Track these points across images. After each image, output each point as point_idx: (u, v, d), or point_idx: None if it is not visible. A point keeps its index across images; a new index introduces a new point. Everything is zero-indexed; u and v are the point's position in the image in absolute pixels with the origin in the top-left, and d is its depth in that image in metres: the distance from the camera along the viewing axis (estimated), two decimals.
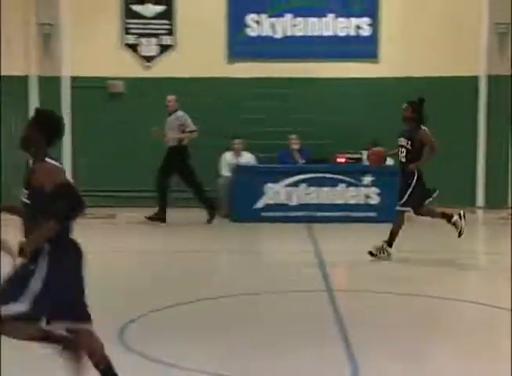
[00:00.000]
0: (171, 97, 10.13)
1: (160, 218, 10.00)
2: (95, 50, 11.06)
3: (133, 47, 11.31)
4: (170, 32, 11.32)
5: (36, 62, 11.03)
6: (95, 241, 8.96)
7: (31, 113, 3.76)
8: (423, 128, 7.73)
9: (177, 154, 10.03)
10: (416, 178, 7.67)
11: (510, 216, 10.73)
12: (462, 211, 7.87)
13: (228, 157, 10.84)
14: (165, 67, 11.30)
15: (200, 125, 10.29)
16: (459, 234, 7.86)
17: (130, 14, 11.23)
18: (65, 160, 10.98)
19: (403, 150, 7.76)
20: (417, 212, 7.93)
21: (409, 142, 7.72)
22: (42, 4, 10.87)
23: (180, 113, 10.11)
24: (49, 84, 10.99)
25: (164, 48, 11.35)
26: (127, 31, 11.28)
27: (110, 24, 11.20)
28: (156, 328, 5.71)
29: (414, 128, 7.75)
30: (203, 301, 6.37)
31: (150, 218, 9.94)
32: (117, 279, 7.25)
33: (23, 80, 10.99)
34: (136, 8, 11.22)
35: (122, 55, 11.32)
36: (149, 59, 11.34)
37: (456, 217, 7.81)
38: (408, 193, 7.67)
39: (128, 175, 10.87)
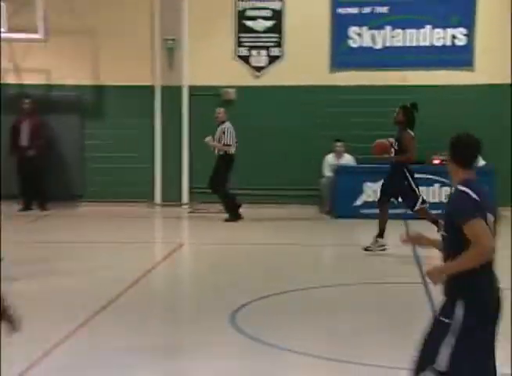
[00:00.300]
0: (220, 109, 11.22)
1: (233, 218, 10.96)
2: (211, 61, 12.32)
3: (245, 58, 12.50)
4: (278, 44, 12.42)
5: (160, 73, 12.48)
6: (218, 234, 10.25)
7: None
8: (408, 131, 8.54)
9: (222, 161, 11.00)
10: (409, 176, 8.46)
11: None
12: None
13: (330, 158, 11.87)
14: (273, 76, 12.41)
15: (304, 129, 11.41)
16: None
17: (242, 29, 12.44)
18: (183, 164, 12.48)
19: (392, 149, 8.65)
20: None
21: (397, 143, 8.61)
22: (167, 21, 12.24)
23: (227, 124, 11.11)
24: (171, 93, 12.38)
25: (273, 59, 12.47)
26: (239, 44, 12.49)
27: (225, 38, 12.43)
28: (265, 312, 6.28)
29: (402, 130, 8.63)
30: (309, 290, 7.00)
31: (228, 220, 10.95)
32: (233, 268, 8.15)
33: (149, 89, 12.46)
34: (248, 23, 12.41)
35: (235, 65, 12.52)
36: (258, 69, 12.50)
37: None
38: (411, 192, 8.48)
39: (243, 175, 12.08)
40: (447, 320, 3.09)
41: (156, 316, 6.38)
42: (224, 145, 10.97)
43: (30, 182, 11.56)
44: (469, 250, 3.02)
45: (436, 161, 11.32)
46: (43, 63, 12.17)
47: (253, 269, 8.14)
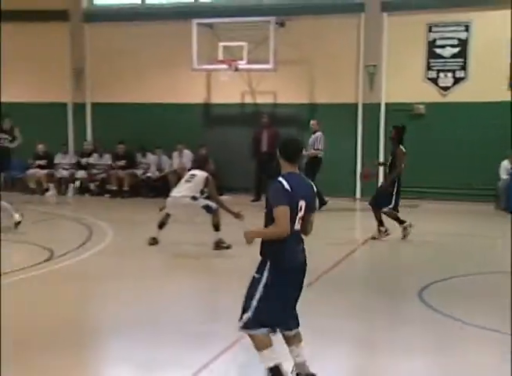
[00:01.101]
0: (313, 121, 13.85)
1: None
2: (405, 83, 14.96)
3: (433, 80, 14.95)
4: (463, 68, 14.71)
5: (362, 93, 15.38)
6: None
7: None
8: (400, 147, 10.15)
9: (311, 164, 13.24)
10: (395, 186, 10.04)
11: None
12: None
13: (505, 163, 13.97)
14: (458, 94, 14.73)
15: (482, 138, 14.00)
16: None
17: (432, 55, 14.92)
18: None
19: (388, 163, 10.47)
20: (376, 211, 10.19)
21: (390, 158, 10.36)
22: (369, 51, 15.14)
23: (318, 134, 13.61)
24: (371, 110, 15.22)
25: (457, 80, 14.79)
26: (429, 68, 14.96)
27: (417, 63, 14.98)
28: (451, 291, 7.19)
29: (395, 146, 10.33)
30: (488, 274, 8.05)
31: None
32: (430, 250, 9.81)
33: (353, 106, 15.46)
34: (437, 50, 14.89)
35: (424, 86, 15.01)
36: (445, 89, 14.90)
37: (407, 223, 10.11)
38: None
39: (430, 176, 14.64)
40: (257, 276, 4.18)
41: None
42: (315, 150, 13.47)
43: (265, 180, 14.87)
44: (271, 226, 4.11)
45: None
46: (272, 87, 15.63)
47: (445, 253, 9.56)
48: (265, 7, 15.69)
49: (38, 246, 9.67)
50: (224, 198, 11.60)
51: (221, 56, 15.01)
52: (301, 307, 4.42)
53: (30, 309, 6.66)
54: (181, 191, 9.36)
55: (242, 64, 14.91)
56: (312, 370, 4.38)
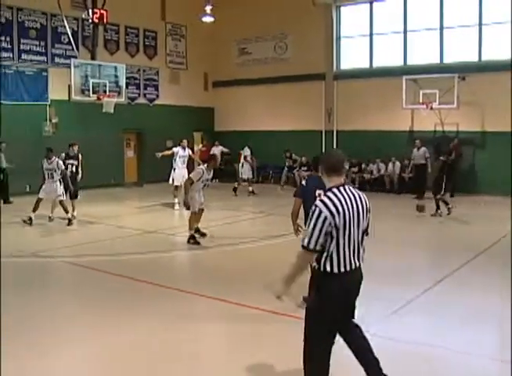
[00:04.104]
0: (417, 141, 20.78)
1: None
2: None
3: None
4: None
5: None
6: None
7: None
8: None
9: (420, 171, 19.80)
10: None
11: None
12: None
13: None
14: None
15: None
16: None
17: None
18: None
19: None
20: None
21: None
22: None
23: (423, 148, 20.71)
24: None
25: None
26: None
27: None
28: None
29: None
30: None
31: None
32: None
33: None
34: None
35: None
36: None
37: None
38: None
39: None
40: None
41: None
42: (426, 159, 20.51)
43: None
44: None
45: None
46: (455, 119, 22.97)
47: None
48: (452, 66, 23.23)
49: None
50: None
51: (421, 100, 22.79)
52: None
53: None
54: None
55: (435, 105, 22.25)
56: None
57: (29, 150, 20.18)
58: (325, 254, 4.46)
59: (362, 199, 4.64)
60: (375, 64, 25.44)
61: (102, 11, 18.99)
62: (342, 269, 4.47)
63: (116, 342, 6.70)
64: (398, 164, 23.88)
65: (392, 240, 13.20)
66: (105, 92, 19.47)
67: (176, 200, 18.07)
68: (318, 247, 4.37)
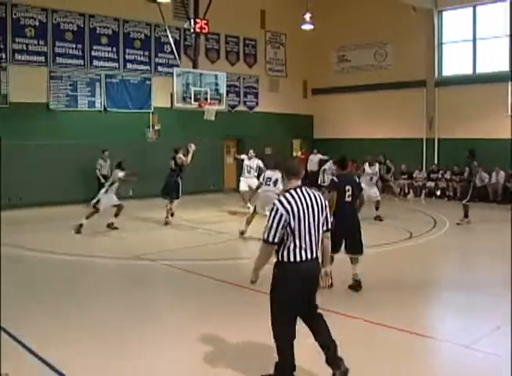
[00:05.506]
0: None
1: None
2: None
3: None
4: None
5: None
6: None
7: None
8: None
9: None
10: None
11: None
12: None
13: None
14: None
15: None
16: None
17: None
18: None
19: None
20: None
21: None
22: None
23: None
24: None
25: None
26: None
27: None
28: None
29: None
30: None
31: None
32: None
33: None
34: None
35: None
36: None
37: None
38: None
39: None
40: None
41: None
42: None
43: None
44: None
45: None
46: None
47: None
48: None
49: (402, 229, 14.73)
50: None
51: None
52: None
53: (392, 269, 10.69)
54: None
55: None
56: None
57: (131, 155, 20.79)
58: (282, 246, 5.13)
59: (318, 198, 5.28)
60: (478, 70, 24.61)
61: (203, 21, 19.54)
62: (298, 259, 5.11)
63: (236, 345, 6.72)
64: (502, 173, 22.89)
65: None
66: (206, 99, 19.89)
67: (248, 205, 18.38)
68: (276, 240, 5.07)
